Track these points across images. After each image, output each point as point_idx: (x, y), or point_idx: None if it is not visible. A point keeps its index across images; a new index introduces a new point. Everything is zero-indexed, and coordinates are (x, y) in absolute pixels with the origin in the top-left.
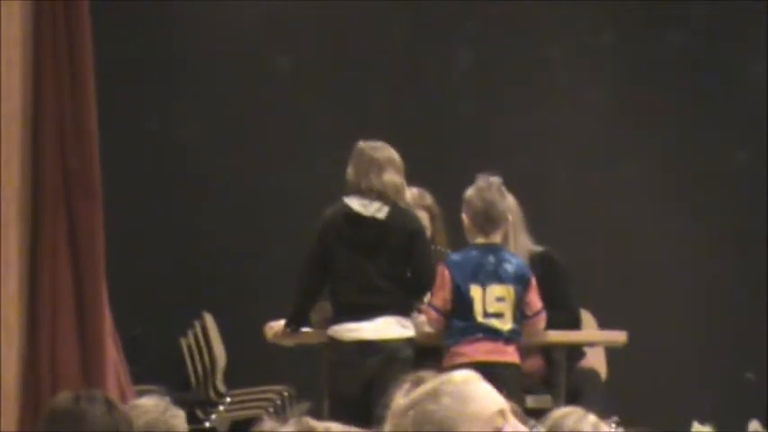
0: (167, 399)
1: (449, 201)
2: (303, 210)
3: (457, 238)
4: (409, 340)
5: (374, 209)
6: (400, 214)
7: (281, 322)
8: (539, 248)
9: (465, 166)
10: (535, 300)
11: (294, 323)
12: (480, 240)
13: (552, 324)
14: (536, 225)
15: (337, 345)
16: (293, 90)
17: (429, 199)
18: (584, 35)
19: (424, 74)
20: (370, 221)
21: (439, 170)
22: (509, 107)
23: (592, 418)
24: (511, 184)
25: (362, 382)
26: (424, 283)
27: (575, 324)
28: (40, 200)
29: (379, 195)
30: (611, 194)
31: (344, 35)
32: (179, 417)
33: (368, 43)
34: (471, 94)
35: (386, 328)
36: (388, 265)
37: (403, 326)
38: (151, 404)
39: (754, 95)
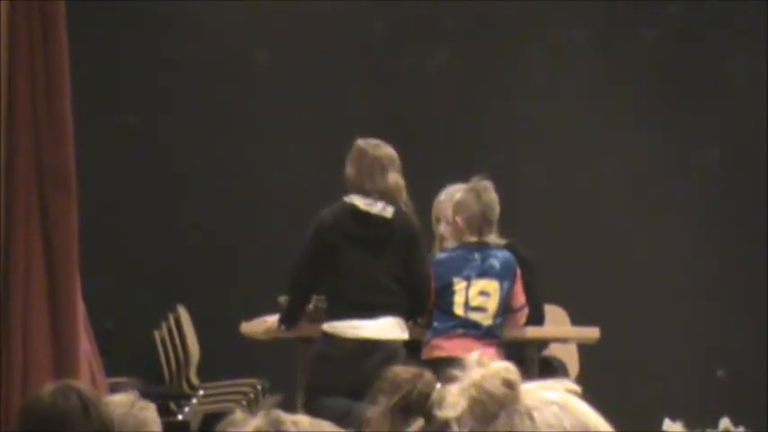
0: (135, 393)
1: (424, 196)
2: (279, 205)
3: (429, 233)
4: (404, 342)
5: (380, 208)
6: (403, 215)
7: (275, 318)
8: (503, 241)
9: (441, 161)
10: (520, 294)
11: (290, 321)
12: (472, 240)
13: None
14: (510, 220)
15: (336, 340)
16: (272, 87)
17: (404, 194)
18: (559, 32)
19: (401, 70)
20: (379, 220)
21: (415, 166)
22: (485, 103)
23: None
24: (486, 179)
25: (358, 379)
26: (420, 287)
27: (538, 319)
28: (13, 192)
29: (382, 196)
30: (585, 190)
31: (323, 32)
32: (149, 409)
33: (346, 40)
34: (447, 91)
35: (387, 328)
36: (393, 264)
37: (402, 328)
38: (119, 400)
39: (727, 92)
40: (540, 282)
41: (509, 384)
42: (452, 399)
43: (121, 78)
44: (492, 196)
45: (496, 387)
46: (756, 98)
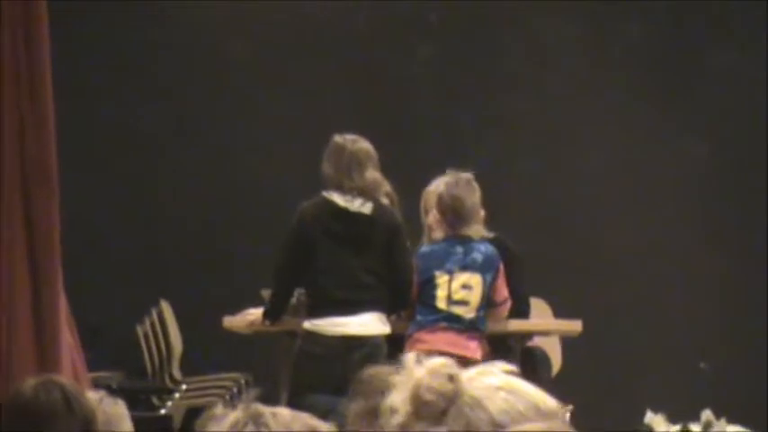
0: (103, 392)
1: (411, 190)
2: (263, 200)
3: (415, 226)
4: (387, 337)
5: (358, 204)
6: (383, 210)
7: (258, 311)
8: (490, 234)
9: (426, 154)
10: (503, 288)
11: (273, 315)
12: (450, 233)
13: None
14: (498, 213)
15: (318, 338)
16: (252, 80)
17: (388, 186)
18: (546, 27)
19: (387, 63)
20: (358, 217)
21: (400, 159)
22: (471, 98)
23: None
24: (473, 173)
25: (342, 376)
26: (403, 280)
27: (525, 312)
28: None
29: (360, 192)
30: (572, 184)
31: (306, 25)
32: (118, 404)
33: (330, 36)
34: (433, 84)
35: (370, 324)
36: (373, 260)
37: (383, 322)
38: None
39: (714, 86)
40: (526, 275)
41: (452, 379)
42: (397, 404)
43: (102, 72)
44: (460, 191)
45: (441, 384)
46: (743, 92)
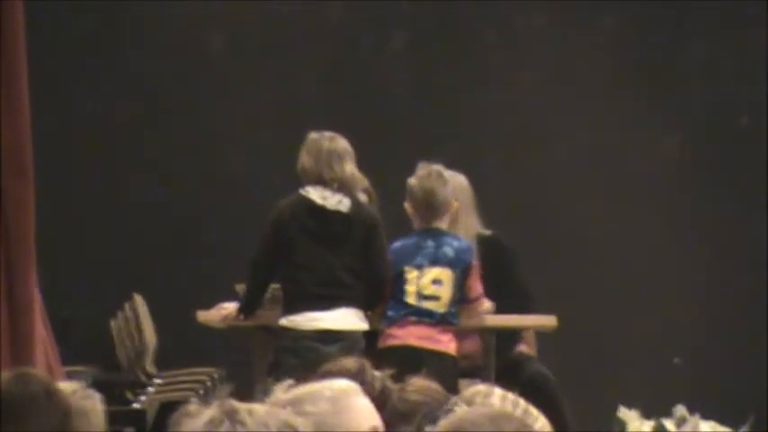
0: (82, 382)
1: (382, 185)
2: (237, 193)
3: (391, 221)
4: (364, 333)
5: (336, 201)
6: (361, 207)
7: (233, 306)
8: (487, 232)
9: (398, 148)
10: (476, 284)
11: (248, 310)
12: (422, 226)
13: (502, 308)
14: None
15: (293, 333)
16: (227, 70)
17: (366, 182)
18: (517, 18)
19: (358, 55)
20: (334, 214)
21: (371, 152)
22: (443, 90)
23: (498, 391)
24: (444, 167)
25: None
26: (379, 277)
27: (526, 307)
28: None
29: (340, 187)
30: (544, 178)
31: (279, 14)
32: (93, 398)
33: (302, 23)
34: (405, 76)
35: (346, 318)
36: (351, 258)
37: (360, 318)
38: (62, 387)
39: (686, 79)
40: (523, 271)
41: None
42: None
43: (78, 64)
44: (432, 183)
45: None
46: (714, 84)
